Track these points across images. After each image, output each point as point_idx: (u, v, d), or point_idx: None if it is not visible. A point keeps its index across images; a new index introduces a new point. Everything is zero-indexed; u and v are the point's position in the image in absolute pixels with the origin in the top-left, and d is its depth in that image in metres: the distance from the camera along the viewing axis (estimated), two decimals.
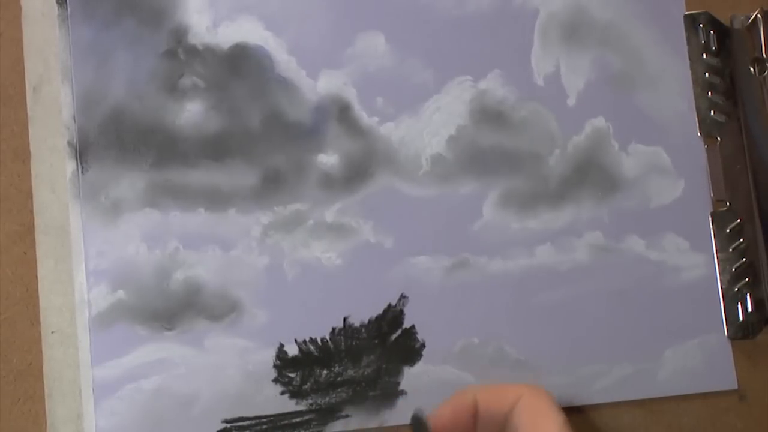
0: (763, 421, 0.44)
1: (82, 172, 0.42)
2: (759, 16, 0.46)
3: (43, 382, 0.41)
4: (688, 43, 0.46)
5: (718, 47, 0.46)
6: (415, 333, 0.43)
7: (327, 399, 0.42)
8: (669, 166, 0.45)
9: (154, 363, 0.42)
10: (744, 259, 0.44)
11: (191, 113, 0.43)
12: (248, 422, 0.42)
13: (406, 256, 0.43)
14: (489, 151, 0.45)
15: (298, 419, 0.42)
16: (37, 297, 0.42)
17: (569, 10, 0.46)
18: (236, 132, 0.43)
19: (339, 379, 0.42)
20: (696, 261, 0.44)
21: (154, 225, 0.42)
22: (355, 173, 0.44)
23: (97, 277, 0.42)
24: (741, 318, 0.44)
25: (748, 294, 0.44)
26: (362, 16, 0.45)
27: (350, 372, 0.43)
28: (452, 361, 0.43)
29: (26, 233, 0.42)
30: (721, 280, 0.44)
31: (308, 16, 0.45)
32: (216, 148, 0.43)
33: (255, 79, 0.44)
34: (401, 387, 0.42)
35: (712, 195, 0.45)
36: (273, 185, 0.43)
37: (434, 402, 0.38)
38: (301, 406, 0.42)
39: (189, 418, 0.41)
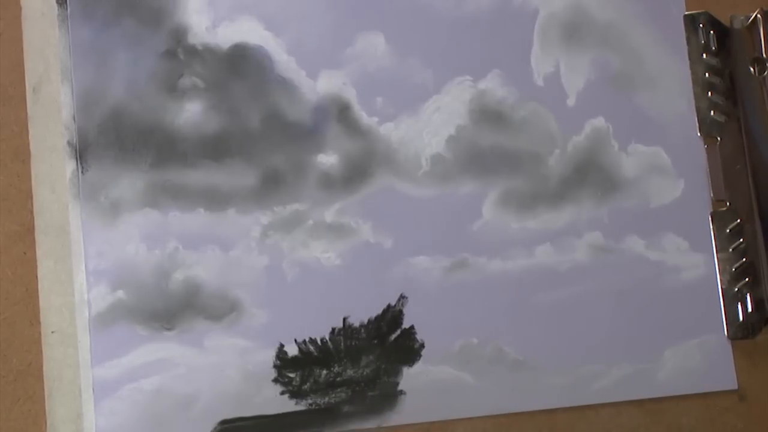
0: (763, 421, 0.44)
1: (81, 172, 0.43)
2: (759, 16, 0.46)
3: (43, 382, 0.41)
4: (688, 43, 0.46)
5: (718, 47, 0.46)
6: (414, 333, 0.43)
7: (326, 399, 0.42)
8: (669, 166, 0.45)
9: (154, 363, 0.42)
10: (744, 259, 0.44)
11: (191, 113, 0.43)
12: (248, 422, 0.42)
13: (405, 256, 0.43)
14: (489, 151, 0.45)
15: (297, 419, 0.42)
16: (37, 297, 0.42)
17: (569, 10, 0.46)
18: (236, 132, 0.43)
19: (338, 379, 0.42)
20: (696, 261, 0.44)
21: (154, 225, 0.42)
22: (355, 173, 0.44)
23: (97, 277, 0.42)
24: (741, 318, 0.44)
25: (748, 294, 0.44)
26: (362, 16, 0.45)
27: (350, 372, 0.43)
28: (451, 361, 0.43)
29: (26, 233, 0.42)
30: (721, 280, 0.44)
31: (308, 16, 0.45)
32: (216, 148, 0.43)
33: (255, 79, 0.44)
34: (400, 387, 0.42)
35: (712, 195, 0.45)
36: (272, 185, 0.43)
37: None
38: (301, 406, 0.42)
39: (189, 418, 0.41)
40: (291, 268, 0.43)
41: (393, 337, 0.43)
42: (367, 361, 0.43)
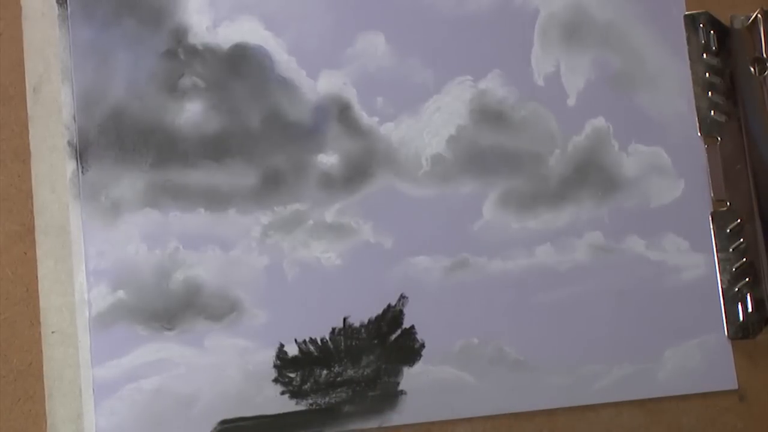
0: (763, 421, 0.44)
1: (82, 172, 0.43)
2: (759, 16, 0.46)
3: (43, 382, 0.41)
4: (688, 43, 0.46)
5: (718, 47, 0.46)
6: (414, 333, 0.43)
7: (327, 399, 0.42)
8: (669, 166, 0.45)
9: (154, 363, 0.42)
10: (744, 259, 0.44)
11: (191, 113, 0.43)
12: (248, 422, 0.42)
13: (405, 256, 0.43)
14: (489, 151, 0.45)
15: (298, 419, 0.42)
16: (37, 297, 0.42)
17: (569, 10, 0.46)
18: (236, 132, 0.43)
19: (339, 379, 0.42)
20: (696, 261, 0.44)
21: (154, 225, 0.42)
22: (355, 173, 0.44)
23: (97, 277, 0.42)
24: (741, 318, 0.44)
25: (748, 294, 0.44)
26: (362, 16, 0.45)
27: (350, 372, 0.43)
28: (452, 361, 0.43)
29: (26, 233, 0.42)
30: (721, 280, 0.44)
31: (308, 16, 0.45)
32: (216, 148, 0.43)
33: (255, 79, 0.44)
34: (401, 387, 0.42)
35: (712, 195, 0.45)
36: (273, 185, 0.43)
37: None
38: (301, 406, 0.42)
39: (189, 418, 0.41)
40: (291, 268, 0.43)
41: (393, 337, 0.43)
42: (368, 361, 0.43)
